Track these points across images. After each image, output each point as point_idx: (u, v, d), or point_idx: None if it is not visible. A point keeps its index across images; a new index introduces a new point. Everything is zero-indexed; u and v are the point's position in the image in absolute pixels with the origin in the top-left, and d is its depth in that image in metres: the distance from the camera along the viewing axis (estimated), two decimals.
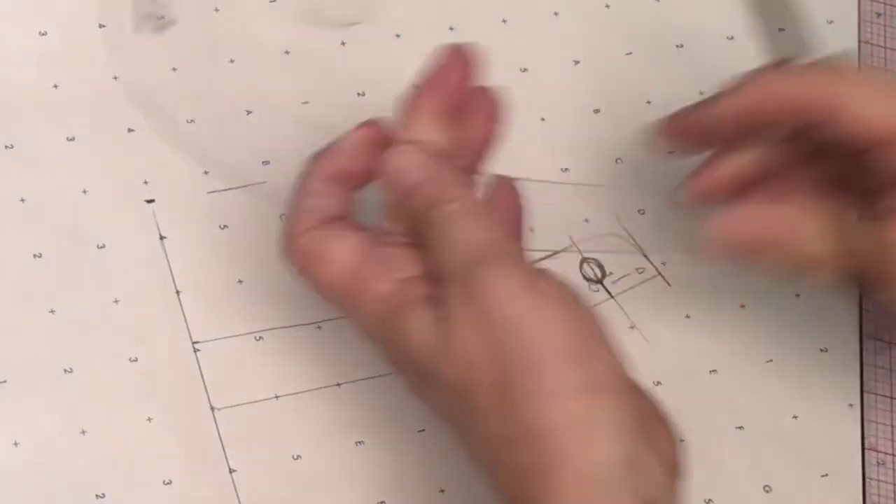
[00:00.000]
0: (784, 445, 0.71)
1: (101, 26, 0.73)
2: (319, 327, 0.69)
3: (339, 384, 0.68)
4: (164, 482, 0.63)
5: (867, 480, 0.70)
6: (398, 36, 0.77)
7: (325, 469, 0.67)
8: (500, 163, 0.73)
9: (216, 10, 0.75)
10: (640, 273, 0.74)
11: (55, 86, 0.71)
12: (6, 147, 0.70)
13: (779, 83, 0.61)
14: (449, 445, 0.66)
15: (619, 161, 0.76)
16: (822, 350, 0.73)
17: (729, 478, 0.70)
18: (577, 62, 0.77)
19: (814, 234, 0.62)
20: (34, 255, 0.68)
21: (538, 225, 0.73)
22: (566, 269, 0.73)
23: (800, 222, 0.62)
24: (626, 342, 0.68)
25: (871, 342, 0.74)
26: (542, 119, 0.76)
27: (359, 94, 0.75)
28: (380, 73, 0.76)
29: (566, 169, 0.75)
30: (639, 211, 0.74)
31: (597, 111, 0.76)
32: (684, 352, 0.72)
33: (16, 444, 0.64)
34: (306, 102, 0.73)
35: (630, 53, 0.77)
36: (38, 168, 0.68)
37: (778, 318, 0.73)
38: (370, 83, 0.75)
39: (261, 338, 0.69)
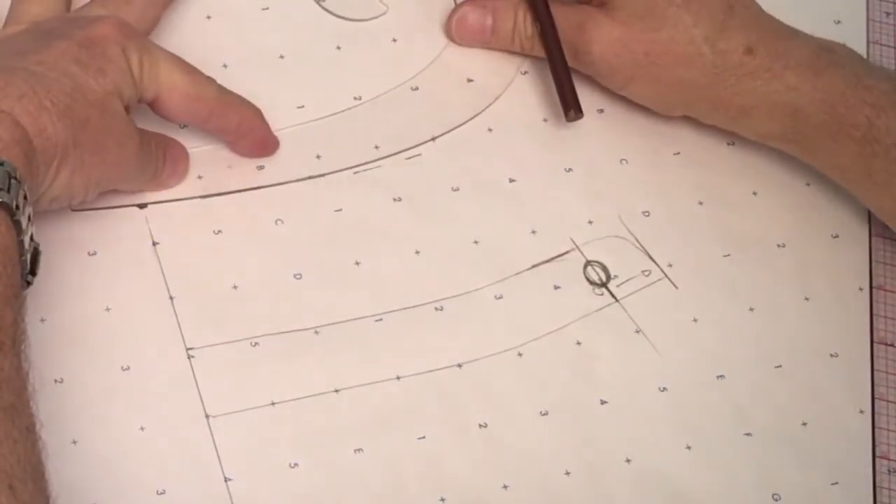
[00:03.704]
0: (793, 453, 0.70)
1: None
2: (317, 332, 0.69)
3: (336, 390, 0.68)
4: (157, 492, 0.62)
5: (878, 489, 0.69)
6: (394, 40, 0.77)
7: (322, 477, 0.67)
8: (502, 165, 0.74)
9: (208, 17, 0.76)
10: (647, 276, 0.74)
11: None
12: None
13: None
14: (450, 454, 0.68)
15: (623, 162, 0.76)
16: (832, 355, 0.72)
17: (737, 486, 0.69)
18: None
19: (523, 19, 0.74)
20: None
21: (540, 228, 0.73)
22: (570, 272, 0.73)
23: (510, 11, 0.75)
24: (632, 347, 0.73)
25: (882, 347, 0.73)
26: (545, 119, 0.76)
27: (355, 98, 0.75)
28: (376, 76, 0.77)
29: (570, 169, 0.75)
30: (643, 213, 0.75)
31: (601, 111, 0.76)
32: (691, 356, 0.73)
33: None
34: (301, 107, 0.74)
35: None
36: None
37: (787, 322, 0.73)
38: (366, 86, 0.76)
39: (256, 343, 0.68)
